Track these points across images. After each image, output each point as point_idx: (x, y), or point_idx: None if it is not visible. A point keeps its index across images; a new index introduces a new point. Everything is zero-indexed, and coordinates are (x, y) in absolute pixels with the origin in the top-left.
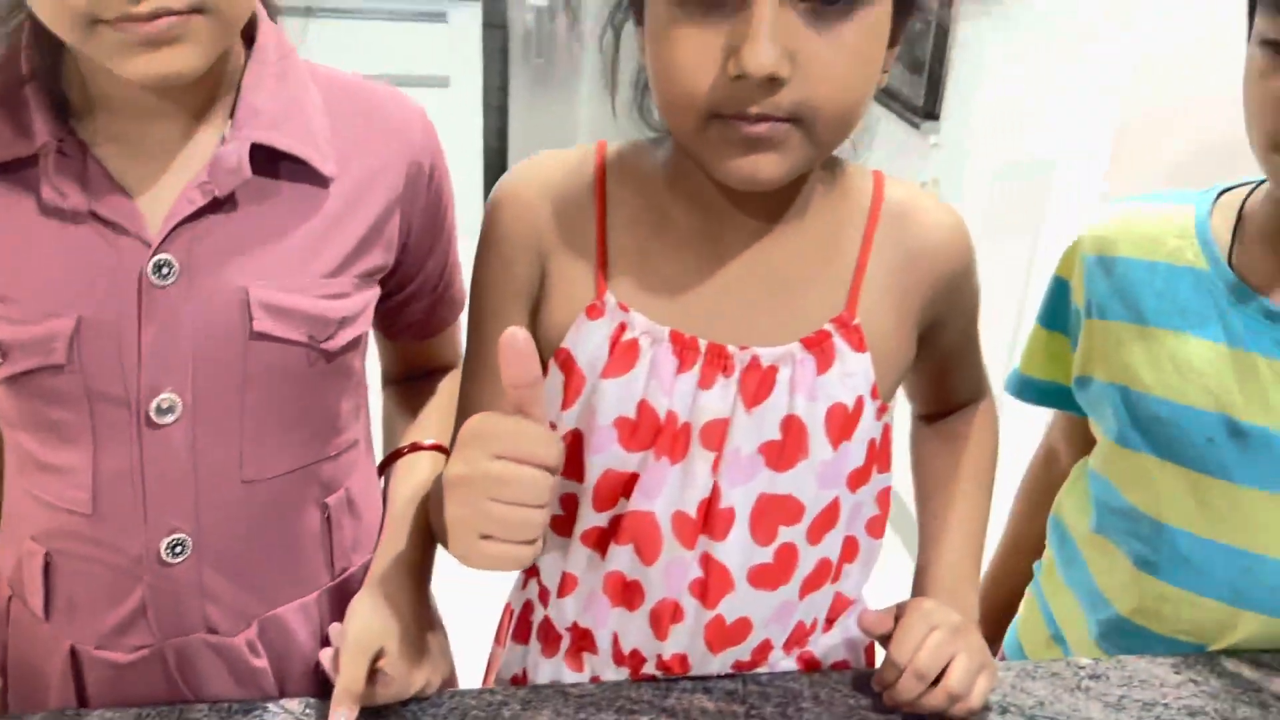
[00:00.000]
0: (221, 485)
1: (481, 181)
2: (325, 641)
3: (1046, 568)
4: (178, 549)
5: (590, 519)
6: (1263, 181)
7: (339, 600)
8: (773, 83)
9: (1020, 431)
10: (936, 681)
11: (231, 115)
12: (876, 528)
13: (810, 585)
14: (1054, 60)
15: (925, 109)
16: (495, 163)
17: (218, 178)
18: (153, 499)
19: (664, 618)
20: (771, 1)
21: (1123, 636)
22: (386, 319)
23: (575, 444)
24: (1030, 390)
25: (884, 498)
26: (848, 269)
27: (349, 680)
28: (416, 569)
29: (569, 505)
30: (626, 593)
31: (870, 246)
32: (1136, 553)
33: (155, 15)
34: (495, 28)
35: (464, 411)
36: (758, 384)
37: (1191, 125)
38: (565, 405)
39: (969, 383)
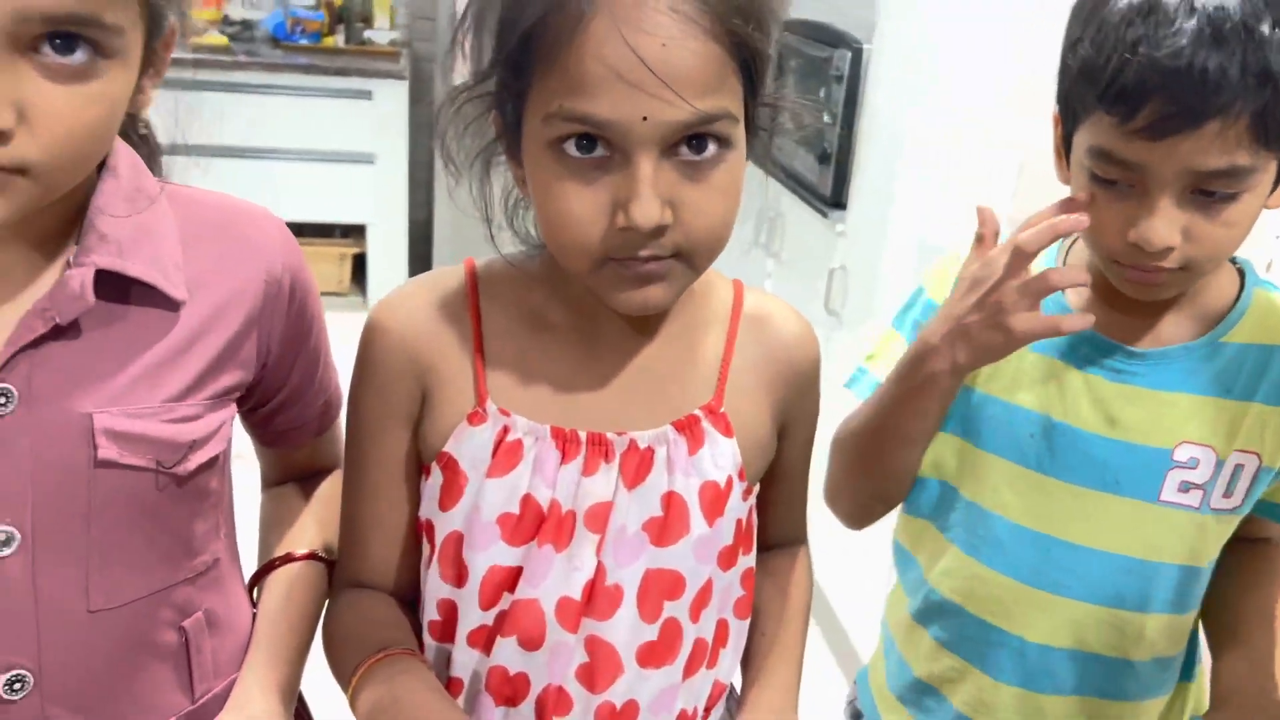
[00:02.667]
0: (65, 617)
1: (406, 254)
2: None
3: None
4: (16, 685)
5: (475, 618)
6: (1075, 241)
7: None
8: (658, 230)
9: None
10: None
11: (78, 240)
12: (743, 608)
13: (690, 668)
14: (958, 148)
15: (833, 199)
16: (421, 235)
17: (59, 304)
18: None
19: (549, 707)
20: (651, 161)
21: (941, 615)
22: (258, 429)
23: (457, 545)
24: (870, 385)
25: (748, 578)
26: (713, 364)
27: None
28: (281, 689)
29: (449, 610)
30: (510, 687)
31: (734, 344)
32: (960, 537)
33: None
34: (421, 104)
35: (348, 530)
36: (637, 465)
37: None
38: (445, 505)
39: (793, 519)
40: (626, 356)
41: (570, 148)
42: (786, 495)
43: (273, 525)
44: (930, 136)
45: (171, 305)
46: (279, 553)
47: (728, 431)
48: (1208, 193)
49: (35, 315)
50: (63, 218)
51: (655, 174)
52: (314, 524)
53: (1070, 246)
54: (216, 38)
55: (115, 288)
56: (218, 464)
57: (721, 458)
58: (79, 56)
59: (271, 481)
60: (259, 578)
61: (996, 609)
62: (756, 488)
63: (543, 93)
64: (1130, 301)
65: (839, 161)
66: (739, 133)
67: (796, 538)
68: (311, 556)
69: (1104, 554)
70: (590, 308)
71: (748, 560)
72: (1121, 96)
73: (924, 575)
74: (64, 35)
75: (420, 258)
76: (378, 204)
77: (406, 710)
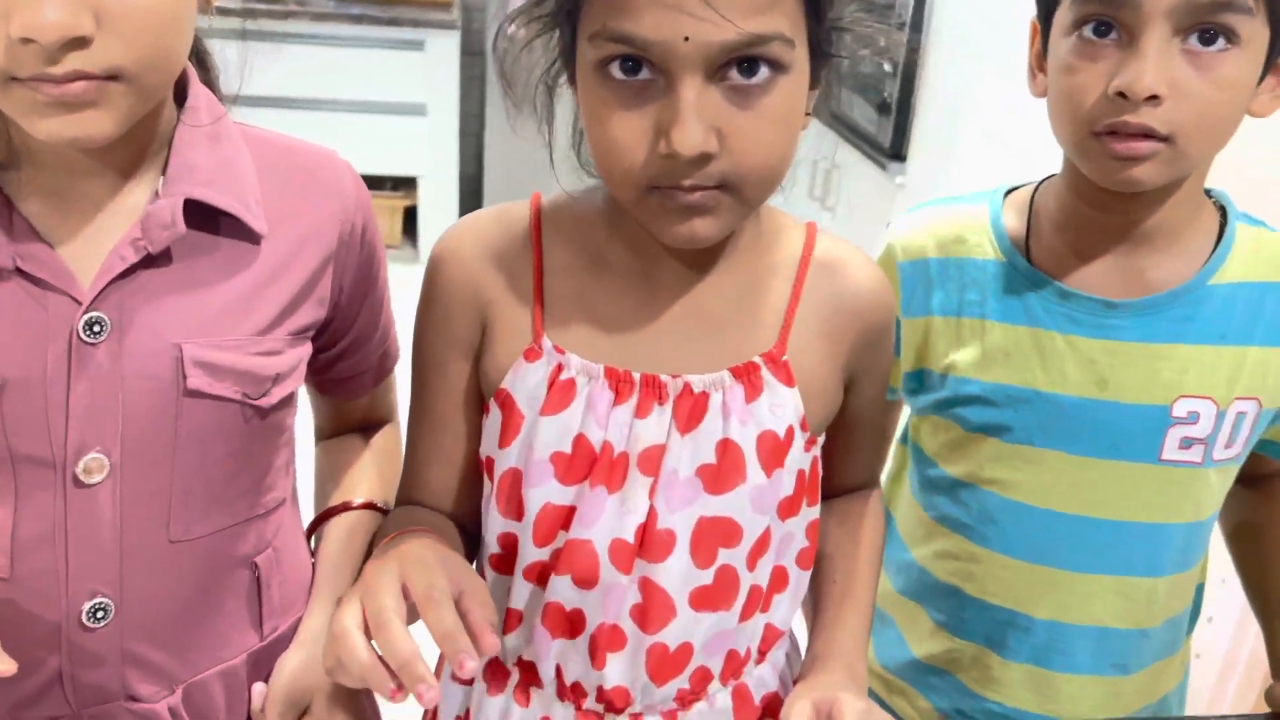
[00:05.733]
0: (148, 546)
1: (457, 206)
2: (247, 709)
3: None
4: (99, 614)
5: (531, 554)
6: (1046, 178)
7: (264, 664)
8: (702, 158)
9: None
10: None
11: (163, 172)
12: (805, 559)
13: (745, 612)
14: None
15: (892, 150)
16: (471, 189)
17: (151, 233)
18: (75, 562)
19: (601, 644)
20: (695, 86)
21: (939, 597)
22: (318, 375)
23: (515, 481)
24: None
25: (813, 530)
26: (778, 311)
27: None
28: None
29: (509, 544)
30: (567, 622)
31: (800, 291)
32: (951, 519)
33: (71, 78)
34: (473, 55)
35: (410, 460)
36: (691, 409)
37: None
38: (504, 443)
39: (865, 466)
40: (685, 299)
41: (615, 70)
42: (856, 441)
43: (330, 475)
44: (994, 87)
45: (254, 239)
46: (336, 501)
47: (789, 381)
48: (1200, 39)
49: (127, 244)
50: (145, 149)
51: (699, 99)
52: (371, 475)
53: (1039, 186)
54: None
55: (202, 219)
56: (293, 401)
57: (781, 407)
58: None
59: (326, 433)
60: (316, 525)
61: (999, 589)
62: (821, 438)
63: (590, 11)
64: (1104, 247)
65: (899, 112)
66: (795, 57)
67: (868, 481)
68: (369, 506)
69: (1107, 522)
70: (650, 248)
71: (812, 512)
72: None
73: (911, 556)
74: None
75: (471, 210)
76: (429, 156)
77: (411, 549)
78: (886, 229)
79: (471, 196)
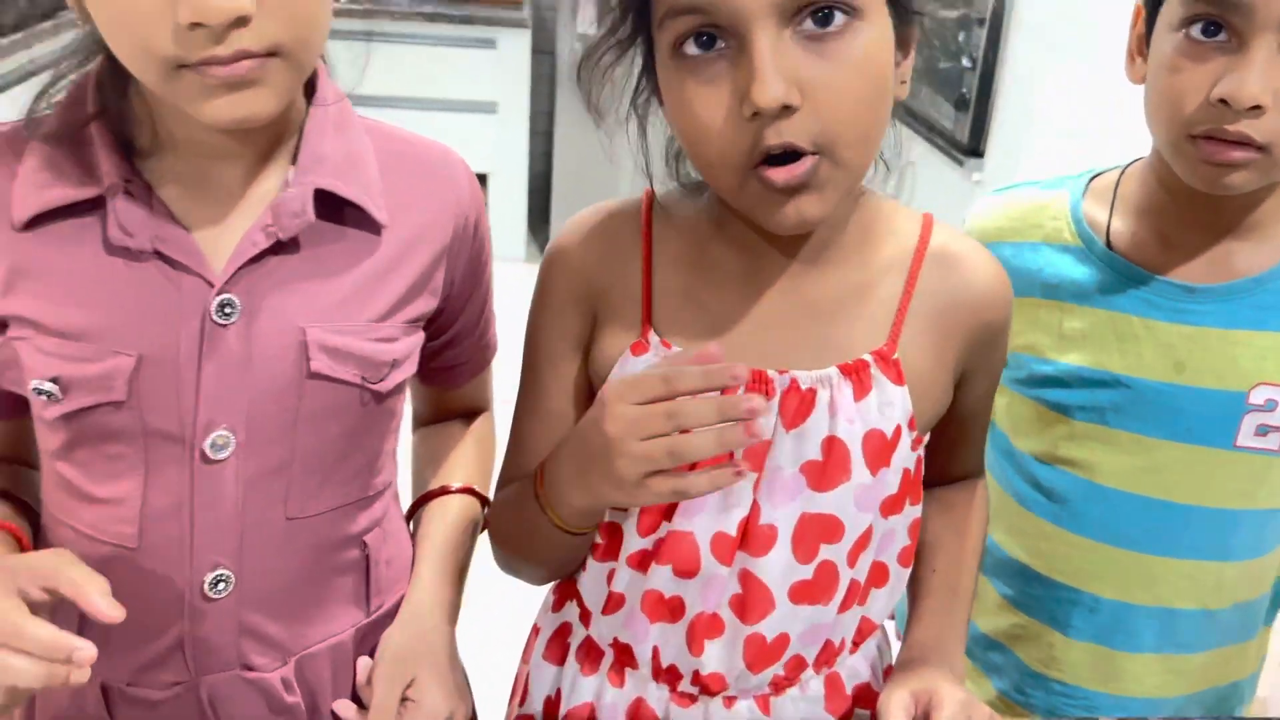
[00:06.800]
0: (266, 521)
1: (525, 204)
2: (353, 681)
3: None
4: (220, 585)
5: (634, 543)
6: (1132, 163)
7: (369, 639)
8: (786, 111)
9: None
10: None
11: (294, 160)
12: (906, 557)
13: (843, 605)
14: (1106, 96)
15: (969, 146)
16: (540, 186)
17: (282, 220)
18: (200, 534)
19: (699, 631)
20: (768, 36)
21: (1007, 573)
22: (422, 364)
23: None
24: None
25: (914, 528)
26: (889, 306)
27: (381, 705)
28: (448, 606)
29: (613, 533)
30: (666, 608)
31: (914, 286)
32: (1024, 495)
33: (238, 57)
34: (544, 54)
35: (517, 448)
36: (797, 405)
37: None
38: None
39: (973, 456)
40: (793, 294)
41: (690, 47)
42: (964, 435)
43: (428, 460)
44: (1074, 84)
45: (375, 229)
46: (435, 485)
47: (899, 379)
48: None
49: (258, 230)
50: (280, 137)
51: (775, 50)
52: (469, 461)
53: (1125, 171)
54: None
55: (328, 208)
56: (404, 389)
57: (890, 406)
58: None
59: (425, 420)
60: (416, 507)
61: (1067, 568)
62: (927, 437)
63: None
64: (1187, 234)
65: (977, 108)
66: (873, 2)
67: (974, 471)
68: (467, 490)
69: (1179, 506)
70: (756, 243)
71: (914, 510)
72: None
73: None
74: None
75: (539, 208)
76: (499, 153)
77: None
78: (963, 226)
79: (540, 193)
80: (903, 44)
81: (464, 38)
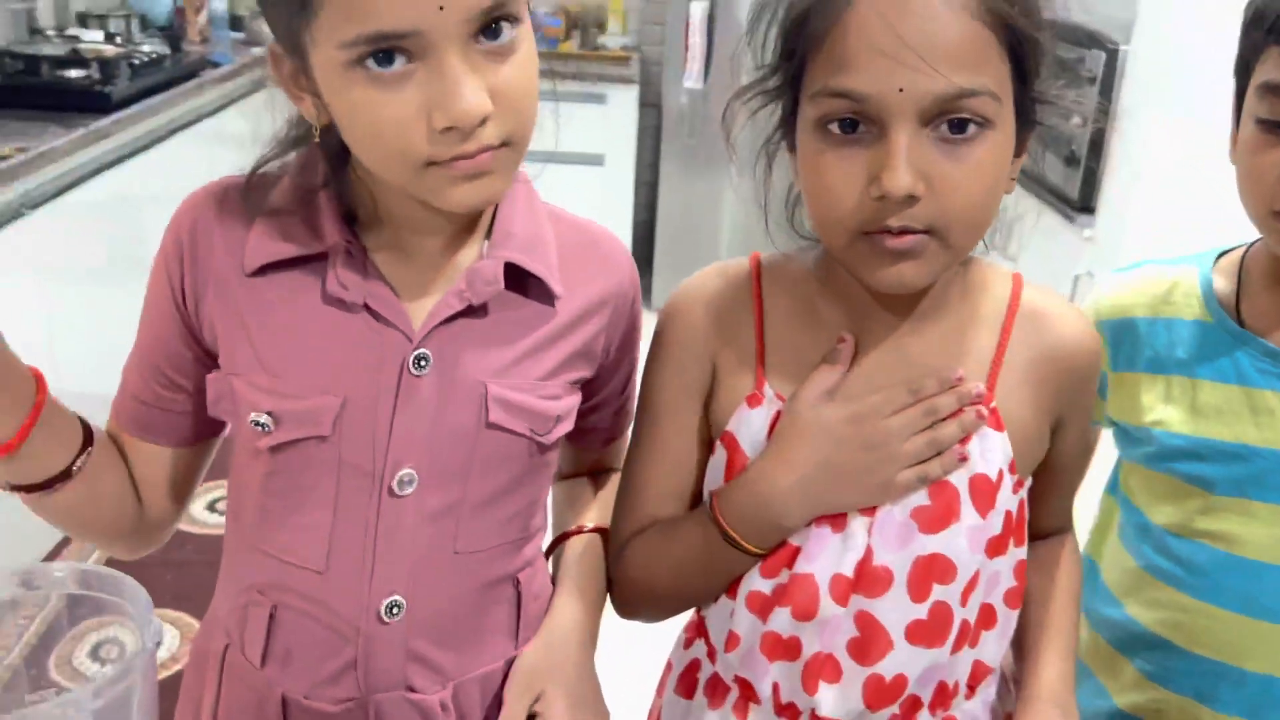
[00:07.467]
0: (437, 554)
1: (630, 251)
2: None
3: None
4: (394, 610)
5: (755, 584)
6: (1257, 240)
7: None
8: (910, 200)
9: None
10: None
11: (488, 235)
12: (1014, 599)
13: (955, 646)
14: (1217, 155)
15: (1080, 203)
16: (644, 235)
17: (475, 287)
18: (380, 562)
19: (814, 671)
20: (907, 133)
21: (1146, 648)
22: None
23: None
24: None
25: (1020, 570)
26: (985, 359)
27: (508, 717)
28: (583, 630)
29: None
30: (783, 648)
31: (1008, 340)
32: (1159, 569)
33: (480, 151)
34: (650, 107)
35: (634, 494)
36: None
37: None
38: (728, 481)
39: (1062, 509)
40: (897, 350)
41: (834, 128)
42: (1056, 485)
43: (566, 506)
44: (1186, 143)
45: (551, 300)
46: (571, 527)
47: (998, 426)
48: None
49: (454, 295)
50: (475, 216)
51: (910, 145)
52: (601, 507)
53: (1251, 248)
54: None
55: (513, 279)
56: (560, 444)
57: (991, 451)
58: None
59: (564, 475)
60: (554, 545)
61: (1209, 641)
62: (1029, 481)
63: (812, 75)
64: None
65: (1088, 165)
66: (1002, 114)
67: (1063, 525)
68: (598, 530)
69: None
70: (863, 305)
71: (1019, 552)
72: None
73: (1119, 606)
74: None
75: (643, 256)
76: (606, 204)
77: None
78: (1073, 282)
79: (644, 241)
80: (1020, 145)
81: (575, 93)
